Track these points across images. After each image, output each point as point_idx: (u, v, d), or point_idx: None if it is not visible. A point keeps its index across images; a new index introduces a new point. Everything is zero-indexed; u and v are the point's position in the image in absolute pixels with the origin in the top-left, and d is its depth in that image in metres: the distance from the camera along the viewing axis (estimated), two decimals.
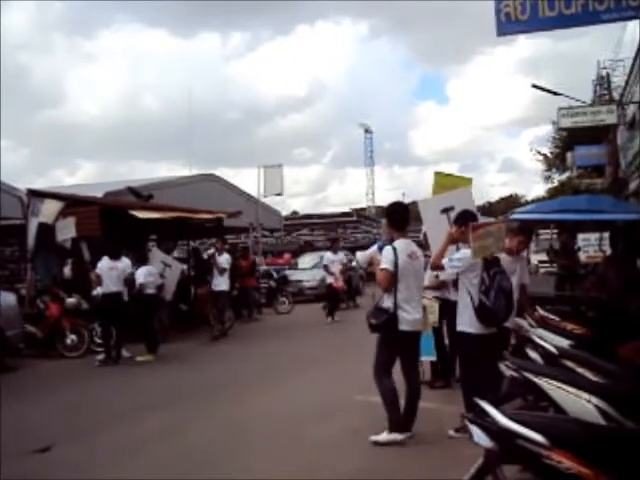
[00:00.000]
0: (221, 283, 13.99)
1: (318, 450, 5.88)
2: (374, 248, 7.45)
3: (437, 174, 9.20)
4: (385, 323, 6.00)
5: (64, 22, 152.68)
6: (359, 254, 7.82)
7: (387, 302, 6.06)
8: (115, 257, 11.60)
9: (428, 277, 7.64)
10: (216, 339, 13.39)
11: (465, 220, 6.15)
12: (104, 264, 11.45)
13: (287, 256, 30.60)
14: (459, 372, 7.01)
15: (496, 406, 3.22)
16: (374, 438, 5.94)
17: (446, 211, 6.94)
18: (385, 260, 6.02)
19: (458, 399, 6.46)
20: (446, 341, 8.06)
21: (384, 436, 5.95)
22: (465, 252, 5.99)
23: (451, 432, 6.08)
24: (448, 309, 7.25)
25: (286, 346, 12.55)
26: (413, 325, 6.09)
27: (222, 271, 13.90)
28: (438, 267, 6.42)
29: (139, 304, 11.80)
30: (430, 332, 7.49)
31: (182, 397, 8.32)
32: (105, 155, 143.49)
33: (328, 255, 17.92)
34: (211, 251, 13.46)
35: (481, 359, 5.79)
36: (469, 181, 9.45)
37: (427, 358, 7.82)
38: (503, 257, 6.21)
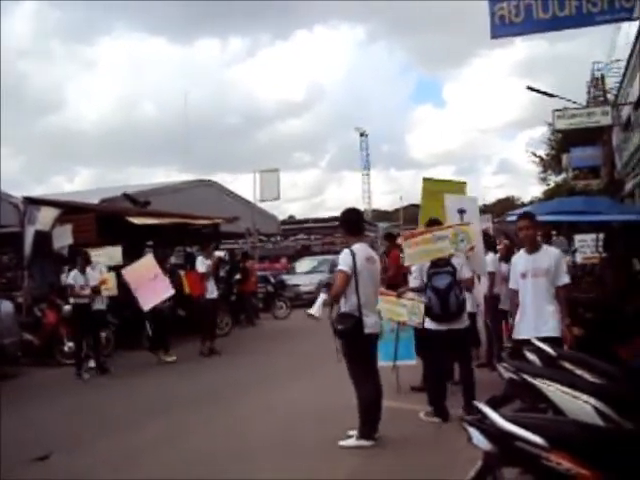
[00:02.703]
0: (210, 290, 12.62)
1: (317, 453, 5.86)
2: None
3: (426, 180, 9.21)
4: (352, 328, 5.99)
5: (64, 29, 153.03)
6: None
7: (347, 306, 6.04)
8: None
9: (412, 280, 7.78)
10: (204, 355, 12.29)
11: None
12: (75, 275, 11.04)
13: (284, 261, 30.60)
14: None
15: (495, 408, 3.22)
16: (342, 443, 5.95)
17: (461, 212, 7.27)
18: (342, 263, 6.03)
19: (458, 401, 6.51)
20: None
21: (352, 441, 5.95)
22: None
23: (421, 415, 6.72)
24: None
25: (285, 351, 12.53)
26: (375, 328, 6.23)
27: (204, 277, 12.53)
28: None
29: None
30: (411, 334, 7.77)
31: (181, 403, 8.30)
32: (103, 161, 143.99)
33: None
34: (201, 258, 12.83)
35: (440, 353, 6.79)
36: (463, 185, 9.46)
37: (388, 363, 7.85)
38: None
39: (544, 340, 5.48)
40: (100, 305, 11.38)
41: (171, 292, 11.89)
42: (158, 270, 11.84)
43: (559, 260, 6.05)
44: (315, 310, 6.68)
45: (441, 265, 6.75)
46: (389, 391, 7.64)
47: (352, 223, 6.40)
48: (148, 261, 12.27)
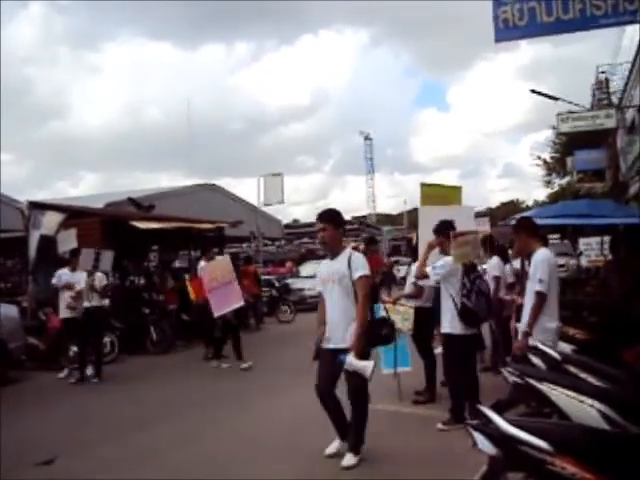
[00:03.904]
0: None
1: (320, 458, 5.86)
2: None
3: (423, 185, 9.25)
4: (393, 332, 6.19)
5: (69, 35, 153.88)
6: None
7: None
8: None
9: (408, 285, 7.80)
10: (208, 360, 11.96)
11: (445, 230, 6.66)
12: (62, 273, 10.91)
13: (289, 264, 30.52)
14: (444, 374, 7.14)
15: (499, 413, 3.21)
16: (345, 464, 5.52)
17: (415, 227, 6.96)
18: (366, 267, 5.66)
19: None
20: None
21: (353, 460, 5.56)
22: (447, 260, 6.51)
23: (439, 425, 6.41)
24: (423, 317, 7.67)
25: (290, 354, 12.51)
26: None
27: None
28: (424, 276, 6.80)
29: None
30: (405, 342, 7.72)
31: (185, 408, 8.30)
32: (108, 167, 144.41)
33: None
34: (202, 264, 12.06)
35: (463, 358, 6.52)
36: (458, 189, 9.46)
37: (390, 371, 7.81)
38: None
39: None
40: (95, 302, 10.83)
41: (241, 303, 11.35)
42: (233, 275, 11.31)
43: (534, 264, 5.83)
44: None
45: (475, 269, 6.55)
46: (391, 396, 7.68)
47: (342, 224, 5.96)
48: (225, 263, 11.63)
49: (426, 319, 7.68)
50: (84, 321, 10.67)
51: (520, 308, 6.29)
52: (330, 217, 5.77)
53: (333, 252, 5.76)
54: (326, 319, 5.71)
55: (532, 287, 5.75)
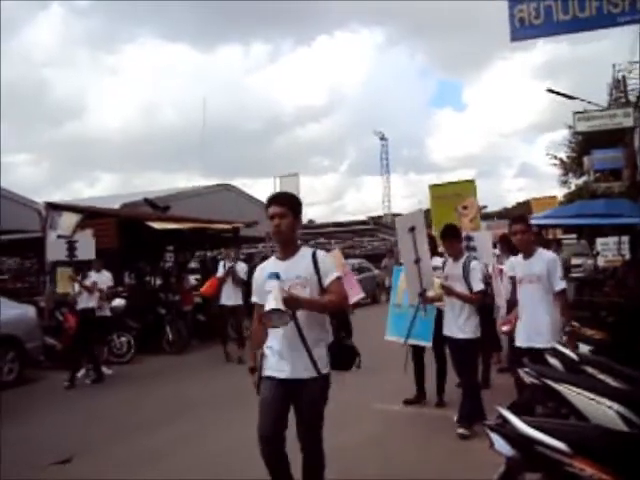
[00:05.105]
0: (235, 296, 11.99)
1: (333, 457, 5.84)
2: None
3: (431, 187, 9.26)
4: None
5: (88, 37, 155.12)
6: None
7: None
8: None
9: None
10: (230, 360, 11.87)
11: (452, 234, 6.67)
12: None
13: None
14: (460, 377, 6.83)
15: (517, 414, 3.19)
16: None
17: (412, 230, 6.69)
18: (336, 266, 4.49)
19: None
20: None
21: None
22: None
23: (460, 430, 6.27)
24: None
25: None
26: None
27: (239, 282, 11.98)
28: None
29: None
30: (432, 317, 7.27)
31: (201, 407, 8.33)
32: (125, 167, 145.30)
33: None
34: (230, 264, 12.05)
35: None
36: (472, 183, 9.42)
37: (398, 338, 7.69)
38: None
39: (536, 352, 5.39)
40: (92, 303, 10.94)
41: (361, 294, 11.00)
42: (347, 268, 11.00)
43: (553, 265, 5.71)
44: None
45: None
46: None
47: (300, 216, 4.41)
48: (336, 257, 10.63)
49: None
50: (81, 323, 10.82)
51: None
52: (292, 202, 4.21)
53: (286, 250, 4.17)
54: (269, 342, 4.19)
55: (553, 286, 5.67)
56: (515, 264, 6.04)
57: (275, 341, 4.11)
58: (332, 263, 4.26)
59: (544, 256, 5.81)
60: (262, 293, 3.99)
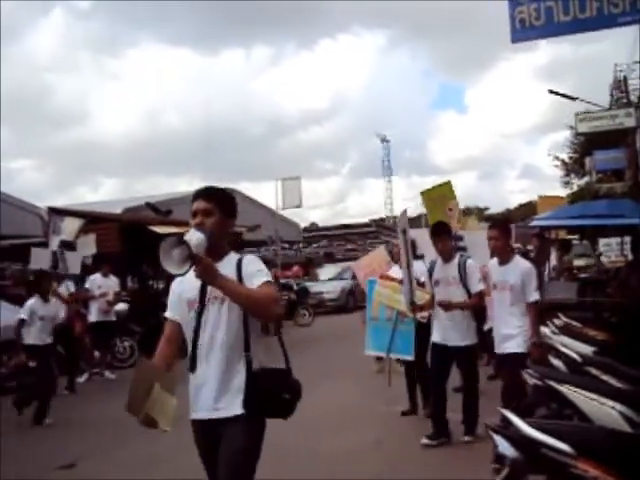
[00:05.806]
0: None
1: (339, 460, 5.85)
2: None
3: (422, 193, 9.36)
4: None
5: (90, 42, 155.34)
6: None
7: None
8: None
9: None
10: None
11: (443, 231, 6.47)
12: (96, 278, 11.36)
13: (296, 268, 30.26)
14: (467, 383, 6.59)
15: (520, 415, 3.19)
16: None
17: (403, 232, 6.61)
18: (265, 269, 3.49)
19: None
20: None
21: None
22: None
23: (466, 438, 6.18)
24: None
25: (309, 358, 12.49)
26: None
27: None
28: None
29: None
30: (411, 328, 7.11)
31: None
32: (127, 172, 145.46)
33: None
34: None
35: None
36: (448, 184, 9.44)
37: (378, 353, 7.76)
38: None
39: (507, 357, 5.61)
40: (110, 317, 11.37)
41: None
42: (391, 265, 10.62)
43: (528, 276, 5.71)
44: None
45: None
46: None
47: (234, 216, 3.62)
48: (381, 254, 10.47)
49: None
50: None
51: None
52: (221, 199, 3.48)
53: (210, 255, 3.17)
54: (197, 379, 3.57)
55: (527, 297, 5.68)
56: (490, 267, 6.06)
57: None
58: (259, 269, 3.32)
59: (520, 265, 5.83)
60: (177, 309, 3.43)
